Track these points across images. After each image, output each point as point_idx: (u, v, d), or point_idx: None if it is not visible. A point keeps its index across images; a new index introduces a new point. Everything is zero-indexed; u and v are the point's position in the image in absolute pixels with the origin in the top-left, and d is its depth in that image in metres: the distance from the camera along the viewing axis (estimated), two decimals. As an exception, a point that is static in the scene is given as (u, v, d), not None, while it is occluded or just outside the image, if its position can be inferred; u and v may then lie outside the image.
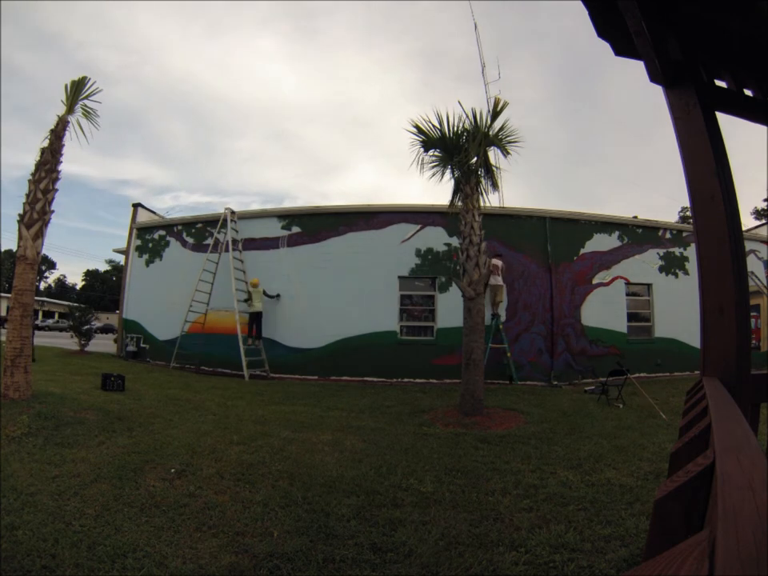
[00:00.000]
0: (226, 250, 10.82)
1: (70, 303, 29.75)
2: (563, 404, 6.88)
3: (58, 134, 5.58)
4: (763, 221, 20.34)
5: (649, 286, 11.10)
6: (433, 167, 6.97)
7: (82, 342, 12.69)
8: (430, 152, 6.94)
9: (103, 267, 61.15)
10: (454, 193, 6.97)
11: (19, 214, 5.31)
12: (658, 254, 11.21)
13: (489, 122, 6.30)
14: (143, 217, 13.55)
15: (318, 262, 10.55)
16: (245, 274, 10.91)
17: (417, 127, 6.71)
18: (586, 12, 1.79)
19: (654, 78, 1.88)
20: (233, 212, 11.17)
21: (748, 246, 11.36)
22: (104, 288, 57.72)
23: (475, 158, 6.40)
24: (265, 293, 10.36)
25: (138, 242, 12.92)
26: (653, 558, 0.58)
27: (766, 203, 31.60)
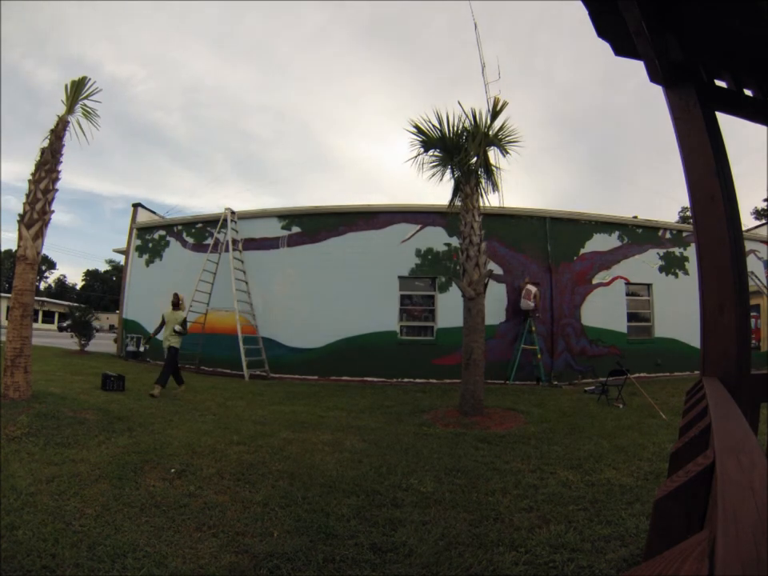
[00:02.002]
0: (226, 250, 10.82)
1: (70, 303, 29.73)
2: (563, 404, 6.88)
3: (58, 134, 5.58)
4: (763, 221, 20.34)
5: (649, 286, 11.11)
6: (433, 167, 6.98)
7: (82, 342, 12.68)
8: (430, 152, 6.95)
9: (103, 267, 61.18)
10: (454, 193, 6.98)
11: (19, 214, 5.31)
12: (657, 254, 11.21)
13: (489, 121, 6.31)
14: (143, 217, 13.55)
15: (318, 261, 10.55)
16: (245, 274, 10.93)
17: (417, 127, 6.71)
18: (586, 12, 1.79)
19: (653, 78, 1.88)
20: (233, 212, 11.17)
21: (748, 246, 11.35)
22: (104, 288, 57.72)
23: (475, 158, 6.40)
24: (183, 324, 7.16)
25: (138, 242, 12.92)
26: (653, 558, 0.58)
27: (766, 203, 31.60)
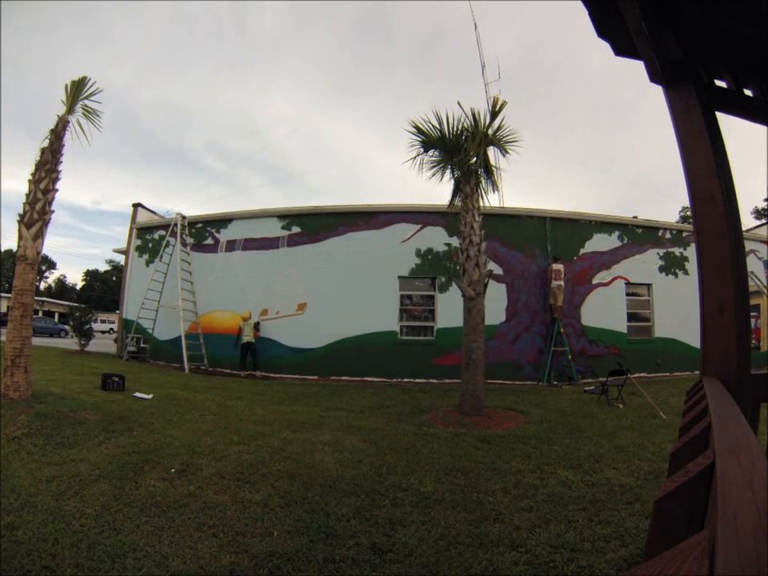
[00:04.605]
0: (184, 246, 11.63)
1: (70, 303, 29.70)
2: (563, 404, 6.87)
3: (58, 134, 5.58)
4: (763, 221, 20.33)
5: (649, 285, 11.11)
6: (433, 167, 6.98)
7: (82, 342, 12.68)
8: (430, 152, 6.95)
9: (103, 267, 61.20)
10: (454, 193, 6.98)
11: (19, 214, 5.31)
12: (657, 253, 11.21)
13: (488, 121, 6.31)
14: (143, 217, 13.55)
15: (318, 262, 10.56)
16: (191, 275, 11.61)
17: (416, 127, 6.71)
18: (586, 12, 1.79)
19: (653, 78, 1.88)
20: (183, 217, 11.99)
21: (748, 246, 11.36)
22: (104, 288, 57.73)
23: (475, 158, 6.40)
24: (256, 326, 10.51)
25: (138, 242, 12.92)
26: (653, 557, 0.58)
27: (766, 203, 31.60)
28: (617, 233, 10.97)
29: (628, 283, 10.88)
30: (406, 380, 9.67)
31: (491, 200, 7.14)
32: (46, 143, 5.53)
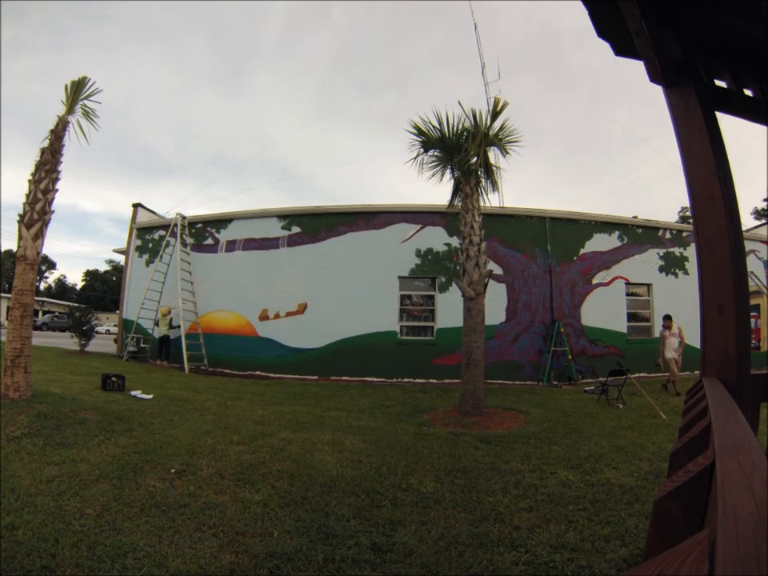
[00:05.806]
0: (184, 246, 11.63)
1: (70, 303, 29.70)
2: (563, 404, 6.88)
3: (57, 135, 5.58)
4: (763, 221, 20.32)
5: (649, 286, 11.11)
6: (433, 167, 6.98)
7: (82, 342, 12.67)
8: (430, 152, 6.95)
9: (103, 267, 61.22)
10: (454, 193, 6.98)
11: (19, 214, 5.32)
12: (657, 253, 11.22)
13: (488, 121, 6.30)
14: (143, 217, 13.54)
15: (318, 261, 10.56)
16: (191, 275, 11.60)
17: (417, 128, 6.71)
18: (586, 12, 1.79)
19: (653, 78, 1.88)
20: (183, 217, 11.97)
21: (748, 246, 11.36)
22: (104, 288, 57.74)
23: (475, 158, 6.40)
24: (171, 323, 11.23)
25: (138, 242, 12.92)
26: (653, 557, 0.58)
27: (766, 203, 31.62)
28: (617, 233, 10.98)
29: (628, 283, 10.88)
30: (406, 380, 9.67)
31: (491, 200, 7.14)
32: (45, 143, 5.53)
